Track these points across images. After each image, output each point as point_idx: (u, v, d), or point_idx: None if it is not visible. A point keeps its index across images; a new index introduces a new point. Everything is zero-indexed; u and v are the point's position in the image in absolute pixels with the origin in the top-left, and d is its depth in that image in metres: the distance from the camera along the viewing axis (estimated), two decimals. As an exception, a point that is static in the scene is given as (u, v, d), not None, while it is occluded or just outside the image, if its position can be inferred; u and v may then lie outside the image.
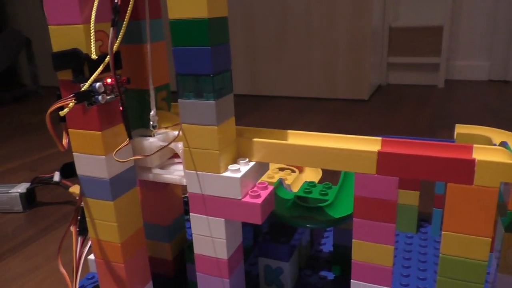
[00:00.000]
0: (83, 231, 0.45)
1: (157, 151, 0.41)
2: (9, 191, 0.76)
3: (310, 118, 1.34)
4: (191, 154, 0.40)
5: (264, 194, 0.40)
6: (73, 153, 0.41)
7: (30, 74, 1.86)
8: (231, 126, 0.41)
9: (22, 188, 0.77)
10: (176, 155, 0.47)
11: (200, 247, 0.43)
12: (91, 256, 0.54)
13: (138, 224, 0.44)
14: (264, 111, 1.46)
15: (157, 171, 0.45)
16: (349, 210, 0.48)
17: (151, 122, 0.44)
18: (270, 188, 0.41)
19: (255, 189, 0.41)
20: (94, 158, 0.39)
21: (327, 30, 1.54)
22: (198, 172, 0.40)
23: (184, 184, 0.43)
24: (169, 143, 0.41)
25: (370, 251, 0.40)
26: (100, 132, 0.38)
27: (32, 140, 1.24)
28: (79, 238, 0.45)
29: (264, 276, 0.51)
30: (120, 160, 0.39)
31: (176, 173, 0.44)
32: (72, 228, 0.44)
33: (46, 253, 0.64)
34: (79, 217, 0.44)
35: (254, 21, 1.64)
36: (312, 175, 0.64)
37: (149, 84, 0.44)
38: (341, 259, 0.53)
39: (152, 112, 0.44)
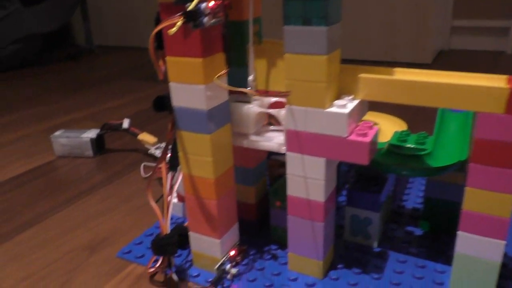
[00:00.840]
0: (173, 167, 0.44)
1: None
2: (81, 136, 0.76)
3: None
4: (294, 87, 0.37)
5: (371, 133, 0.37)
6: (170, 83, 0.39)
7: (84, 33, 1.89)
8: (338, 58, 0.38)
9: (92, 133, 0.77)
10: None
11: (295, 189, 0.41)
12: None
13: (229, 162, 0.43)
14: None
15: (253, 137, 0.43)
16: (449, 160, 0.44)
17: (249, 88, 0.42)
18: (376, 128, 0.38)
19: (360, 128, 0.38)
20: (193, 88, 0.37)
21: (390, -12, 1.44)
22: (300, 108, 0.38)
23: (283, 152, 0.41)
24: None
25: (486, 200, 0.36)
26: (201, 59, 0.36)
27: (92, 94, 1.26)
28: (169, 174, 0.44)
29: (350, 226, 0.49)
30: (222, 85, 0.36)
31: (275, 141, 0.42)
32: (162, 163, 0.44)
33: (120, 196, 0.64)
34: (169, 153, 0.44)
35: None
36: (394, 127, 0.60)
37: (249, 31, 0.41)
38: (432, 214, 0.50)
39: (250, 77, 0.42)
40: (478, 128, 0.35)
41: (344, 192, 0.60)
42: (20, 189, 0.68)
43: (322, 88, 0.36)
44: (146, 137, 0.76)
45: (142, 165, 0.73)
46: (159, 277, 0.46)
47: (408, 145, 0.46)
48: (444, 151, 0.46)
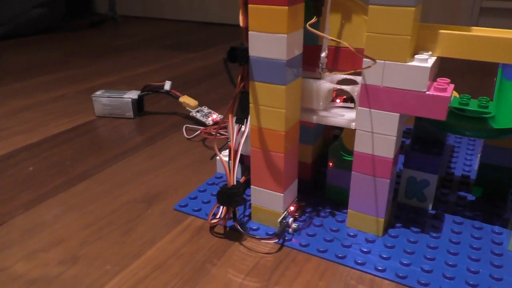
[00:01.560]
0: (239, 120, 0.44)
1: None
2: (122, 97, 0.77)
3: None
4: (375, 41, 0.37)
5: (449, 89, 0.37)
6: (250, 32, 0.39)
7: (108, 1, 1.87)
8: (420, 13, 0.38)
9: (133, 94, 0.78)
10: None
11: (363, 145, 0.41)
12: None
13: (297, 116, 0.43)
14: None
15: (323, 113, 0.44)
16: (513, 124, 0.44)
17: (320, 65, 0.43)
18: (452, 85, 0.38)
19: (438, 83, 0.38)
20: (274, 37, 0.37)
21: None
22: (378, 61, 0.38)
23: (353, 127, 0.42)
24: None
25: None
26: (286, 8, 0.36)
27: (120, 60, 1.26)
28: (236, 127, 0.44)
29: (405, 188, 0.49)
30: (316, 32, 0.36)
31: (345, 117, 0.43)
32: (229, 116, 0.44)
33: (166, 155, 0.65)
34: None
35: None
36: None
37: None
38: (486, 180, 0.50)
39: (323, 54, 0.42)
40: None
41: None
42: (66, 145, 0.69)
43: (405, 41, 0.36)
44: (187, 100, 0.76)
45: (184, 126, 0.73)
46: (219, 229, 0.47)
47: (468, 108, 0.46)
48: (507, 114, 0.46)
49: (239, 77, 0.43)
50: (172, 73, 1.10)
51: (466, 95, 0.49)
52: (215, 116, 0.75)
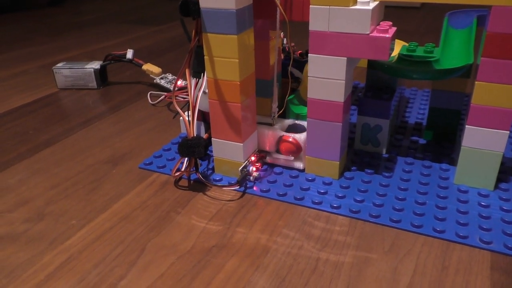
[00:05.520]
0: (196, 74, 0.45)
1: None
2: (84, 67, 0.76)
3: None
4: (319, -13, 0.39)
5: (391, 31, 0.39)
6: (198, -16, 0.40)
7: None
8: (361, -41, 0.39)
9: (95, 64, 0.77)
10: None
11: (315, 91, 0.43)
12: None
13: (251, 67, 0.45)
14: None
15: (275, 155, 0.50)
16: (456, 63, 0.47)
17: (272, 114, 0.49)
18: (395, 28, 0.40)
19: (381, 26, 0.40)
20: (222, -14, 0.38)
21: None
22: (324, 7, 0.39)
23: (301, 168, 0.48)
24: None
25: (494, 93, 0.40)
26: (231, -44, 0.37)
27: (84, 35, 1.23)
28: (193, 81, 0.46)
29: (360, 135, 0.52)
30: None
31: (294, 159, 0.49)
32: (186, 71, 0.45)
33: (131, 120, 0.65)
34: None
35: None
36: (399, 45, 0.62)
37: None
38: (435, 123, 0.53)
39: (274, 105, 0.49)
40: (491, 22, 0.37)
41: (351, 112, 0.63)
42: (29, 116, 0.68)
43: (347, -14, 0.38)
44: (151, 67, 0.76)
45: (149, 93, 0.74)
46: (183, 183, 0.48)
47: (415, 54, 0.48)
48: (451, 58, 0.49)
49: (193, 32, 0.43)
50: (136, 46, 1.09)
51: (414, 42, 0.52)
52: (180, 82, 0.76)
